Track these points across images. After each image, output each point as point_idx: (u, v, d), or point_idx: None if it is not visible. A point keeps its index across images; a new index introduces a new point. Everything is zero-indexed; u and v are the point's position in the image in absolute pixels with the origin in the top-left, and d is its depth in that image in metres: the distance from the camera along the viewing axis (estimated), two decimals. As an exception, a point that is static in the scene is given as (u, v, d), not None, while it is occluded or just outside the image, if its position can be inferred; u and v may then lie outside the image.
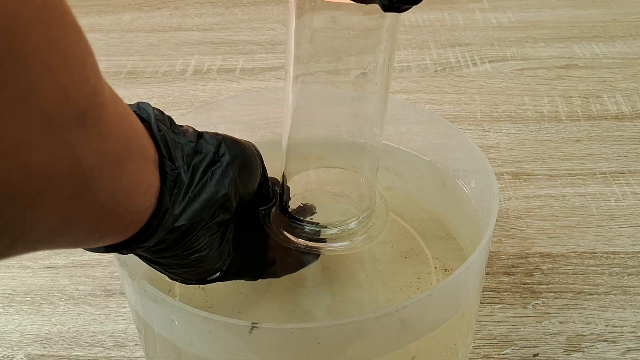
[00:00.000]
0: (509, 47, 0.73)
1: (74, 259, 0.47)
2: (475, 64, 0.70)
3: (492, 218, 0.32)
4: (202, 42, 0.77)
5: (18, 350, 0.41)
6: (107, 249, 0.24)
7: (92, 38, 0.78)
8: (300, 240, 0.33)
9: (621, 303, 0.42)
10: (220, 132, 0.29)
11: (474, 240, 0.37)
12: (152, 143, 0.24)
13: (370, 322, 0.27)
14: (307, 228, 0.33)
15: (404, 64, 0.71)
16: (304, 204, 0.34)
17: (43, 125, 0.17)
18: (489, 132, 0.59)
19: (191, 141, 0.26)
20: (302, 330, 0.27)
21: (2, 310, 0.44)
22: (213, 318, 0.26)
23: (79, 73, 0.18)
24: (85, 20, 0.83)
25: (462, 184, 0.41)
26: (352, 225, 0.34)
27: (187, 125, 0.28)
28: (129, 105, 0.25)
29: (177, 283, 0.38)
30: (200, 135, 0.27)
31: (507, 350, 0.39)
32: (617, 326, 0.40)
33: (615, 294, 0.42)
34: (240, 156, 0.28)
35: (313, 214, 0.34)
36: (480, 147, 0.38)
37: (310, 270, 0.38)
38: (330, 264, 0.39)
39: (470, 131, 0.59)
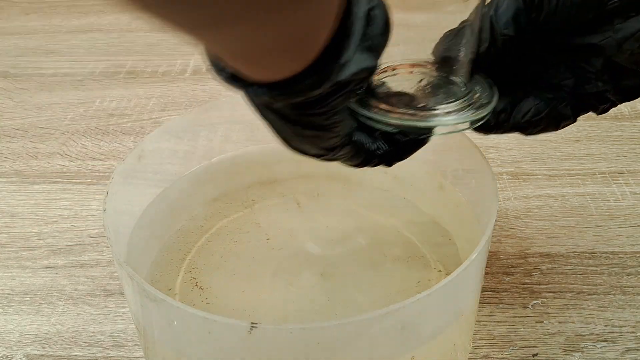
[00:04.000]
0: (508, 47, 0.73)
1: (74, 258, 0.47)
2: (474, 64, 0.70)
3: (491, 218, 0.32)
4: (202, 42, 0.77)
5: (17, 350, 0.41)
6: (271, 89, 0.24)
7: (91, 38, 0.78)
8: (408, 111, 0.30)
9: (620, 303, 0.42)
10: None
11: (473, 241, 0.37)
12: None
13: (370, 322, 0.27)
14: (405, 101, 0.30)
15: (404, 64, 0.70)
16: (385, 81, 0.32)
17: None
18: (488, 132, 0.59)
19: None
20: (301, 330, 0.27)
21: (1, 310, 0.44)
22: (212, 318, 0.26)
23: None
24: (85, 20, 0.83)
25: (461, 184, 0.41)
26: (454, 93, 0.32)
27: None
28: None
29: (177, 283, 0.38)
30: None
31: (506, 351, 0.39)
32: (616, 326, 0.40)
33: (614, 294, 0.43)
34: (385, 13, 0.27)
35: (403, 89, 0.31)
36: (479, 146, 0.38)
37: (310, 271, 0.38)
38: (330, 266, 0.39)
39: (470, 131, 0.59)
